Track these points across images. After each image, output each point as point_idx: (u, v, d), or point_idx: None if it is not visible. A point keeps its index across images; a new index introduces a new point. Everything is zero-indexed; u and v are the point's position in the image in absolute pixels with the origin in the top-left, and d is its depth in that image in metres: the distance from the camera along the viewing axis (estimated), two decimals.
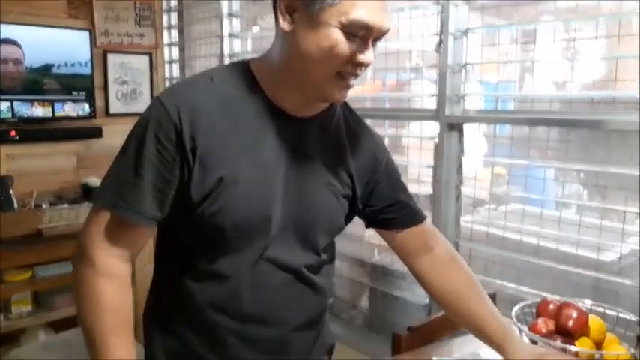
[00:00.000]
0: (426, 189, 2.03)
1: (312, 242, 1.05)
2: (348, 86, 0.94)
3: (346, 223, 1.13)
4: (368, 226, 1.19)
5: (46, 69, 2.57)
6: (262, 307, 1.02)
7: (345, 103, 1.11)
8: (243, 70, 1.00)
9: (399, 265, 2.17)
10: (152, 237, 1.01)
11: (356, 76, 0.93)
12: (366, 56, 0.90)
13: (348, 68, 0.91)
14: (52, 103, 2.59)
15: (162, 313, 1.07)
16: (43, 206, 2.45)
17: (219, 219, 0.94)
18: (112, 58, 2.87)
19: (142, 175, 0.91)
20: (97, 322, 0.91)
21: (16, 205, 2.43)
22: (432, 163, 2.00)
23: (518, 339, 1.08)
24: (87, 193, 2.65)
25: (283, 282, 1.03)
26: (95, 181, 2.67)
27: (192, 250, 1.00)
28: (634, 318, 1.30)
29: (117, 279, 0.94)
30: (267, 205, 0.97)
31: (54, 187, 2.65)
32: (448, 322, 1.44)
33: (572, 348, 1.14)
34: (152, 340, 1.07)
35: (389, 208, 1.14)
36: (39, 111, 2.57)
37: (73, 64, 2.65)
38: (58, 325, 2.39)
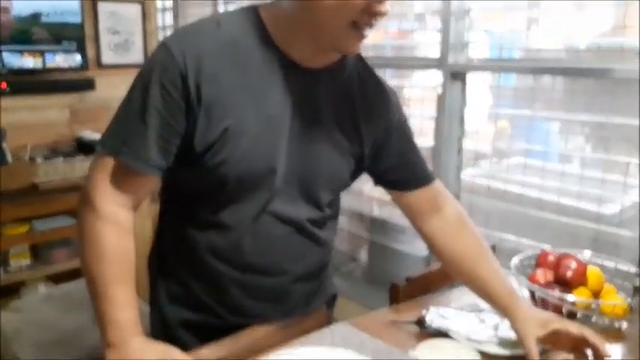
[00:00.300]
0: (428, 141, 2.00)
1: (315, 197, 1.04)
2: (363, 37, 0.90)
3: (352, 180, 1.11)
4: (376, 184, 1.17)
5: (35, 18, 2.49)
6: (264, 257, 1.02)
7: (358, 54, 1.06)
8: (252, 16, 0.95)
9: (398, 219, 2.16)
10: (156, 186, 0.99)
11: (371, 26, 0.89)
12: (383, 6, 0.86)
13: (364, 18, 0.86)
14: (42, 53, 2.52)
15: (166, 260, 1.08)
16: (38, 160, 2.42)
17: (223, 170, 0.93)
18: (102, 7, 2.77)
19: (147, 122, 0.89)
20: (98, 268, 0.90)
21: (10, 159, 2.40)
22: (434, 114, 1.96)
23: (525, 303, 1.06)
24: (82, 146, 2.61)
25: (285, 235, 1.02)
26: (90, 134, 2.63)
27: (195, 200, 1.00)
28: (632, 269, 1.30)
29: (119, 226, 0.92)
30: (271, 158, 0.96)
31: (48, 141, 2.61)
32: (447, 274, 1.44)
33: (570, 297, 1.14)
34: (156, 285, 1.09)
35: (398, 167, 1.12)
36: (29, 62, 2.50)
37: (62, 13, 2.55)
38: (58, 279, 2.40)
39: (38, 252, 2.48)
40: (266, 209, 0.99)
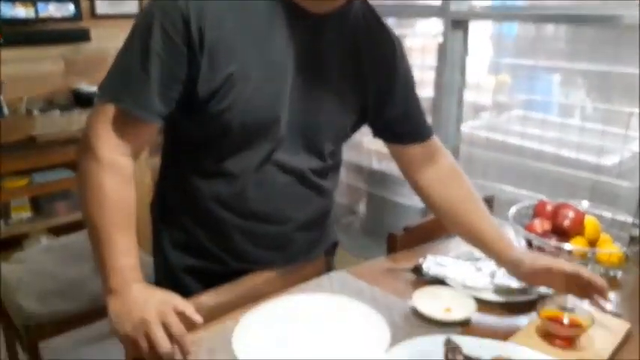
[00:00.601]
0: (428, 92, 1.97)
1: (318, 147, 1.04)
2: None
3: (353, 131, 1.10)
4: (375, 135, 1.16)
5: None
6: (267, 206, 1.03)
7: (365, 0, 1.03)
8: None
9: (396, 171, 2.15)
10: (156, 133, 0.98)
11: None
12: None
13: None
14: (34, 2, 2.46)
15: (169, 208, 1.08)
16: (34, 112, 2.40)
17: (227, 117, 0.92)
18: None
19: (148, 67, 0.87)
20: (99, 215, 0.90)
21: (6, 111, 2.38)
22: (434, 64, 1.93)
23: (515, 246, 1.07)
24: (78, 99, 2.59)
25: (288, 184, 1.03)
26: (87, 86, 2.60)
27: (198, 148, 1.00)
28: (629, 219, 1.30)
29: (120, 173, 0.92)
30: (276, 105, 0.95)
31: (43, 93, 2.58)
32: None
33: (567, 246, 1.15)
34: (159, 233, 1.10)
35: (400, 119, 1.10)
36: (21, 12, 2.44)
37: None
38: (59, 232, 2.42)
39: (39, 205, 2.50)
40: (270, 158, 0.99)
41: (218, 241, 1.05)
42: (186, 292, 0.92)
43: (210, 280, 1.04)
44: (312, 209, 1.10)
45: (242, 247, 1.06)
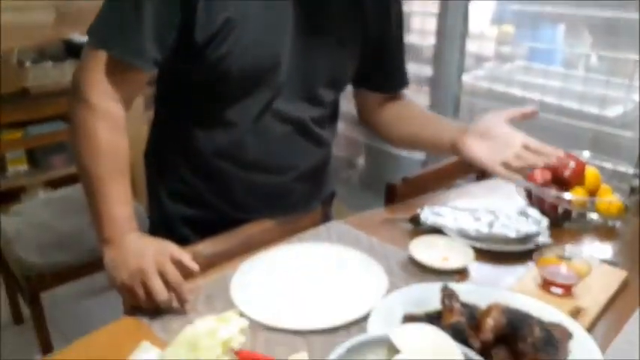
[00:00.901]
0: (429, 39, 1.92)
1: (317, 95, 1.03)
2: None
3: (352, 79, 1.10)
4: (354, 83, 1.16)
5: None
6: (266, 155, 1.02)
7: None
8: None
9: None
10: (149, 80, 0.96)
11: None
12: None
13: None
14: None
15: (165, 158, 1.07)
16: (26, 63, 2.35)
17: (226, 63, 0.90)
18: None
19: (141, 12, 0.84)
20: (93, 164, 0.88)
21: None
22: (437, 11, 1.87)
23: (461, 129, 1.07)
24: (70, 49, 2.52)
25: (287, 133, 1.02)
26: (79, 37, 2.53)
27: (197, 97, 0.98)
28: (630, 171, 1.29)
29: (113, 121, 0.90)
30: (275, 51, 0.93)
31: (35, 43, 2.51)
32: (444, 174, 1.44)
33: (567, 196, 1.14)
34: (155, 183, 1.09)
35: (384, 65, 1.10)
36: None
37: None
38: (56, 185, 2.41)
39: (35, 158, 2.49)
40: (269, 107, 0.98)
41: (216, 191, 1.05)
42: (182, 242, 0.91)
43: (206, 229, 1.04)
44: (310, 160, 1.09)
45: (240, 198, 1.05)
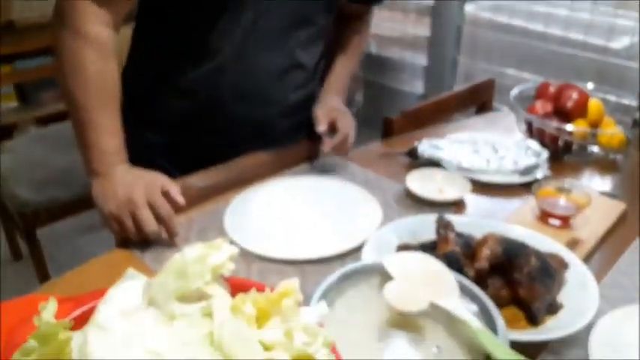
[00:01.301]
0: None
1: (306, 19, 0.97)
2: None
3: None
4: None
5: None
6: (249, 86, 0.98)
7: None
8: None
9: (397, 55, 2.07)
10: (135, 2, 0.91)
11: None
12: None
13: None
14: None
15: (144, 86, 1.02)
16: None
17: None
18: None
19: None
20: (81, 93, 0.84)
21: None
22: None
23: (330, 95, 1.11)
24: None
25: (272, 61, 0.98)
26: None
27: (177, 24, 0.94)
28: (634, 103, 1.26)
29: (101, 46, 0.85)
30: None
31: None
32: (443, 107, 1.40)
33: (568, 127, 1.11)
34: (131, 111, 1.03)
35: None
36: None
37: None
38: (48, 122, 2.38)
39: (26, 95, 2.45)
40: (252, 31, 0.93)
41: (199, 122, 1.01)
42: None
43: (185, 162, 1.01)
44: (296, 90, 1.05)
45: (223, 132, 1.01)
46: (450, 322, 0.52)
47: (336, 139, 1.01)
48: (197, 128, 1.01)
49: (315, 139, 1.05)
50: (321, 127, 1.01)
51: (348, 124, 1.04)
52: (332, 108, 1.06)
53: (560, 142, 1.13)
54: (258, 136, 1.04)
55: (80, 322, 0.45)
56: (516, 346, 0.49)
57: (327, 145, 1.00)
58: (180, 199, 0.81)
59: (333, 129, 1.03)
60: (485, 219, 0.86)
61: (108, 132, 0.86)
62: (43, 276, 1.76)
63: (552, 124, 1.11)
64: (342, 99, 1.13)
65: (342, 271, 0.58)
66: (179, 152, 1.03)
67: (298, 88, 1.05)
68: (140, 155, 0.89)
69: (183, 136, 1.02)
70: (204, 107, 0.99)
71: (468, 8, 1.82)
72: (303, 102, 1.08)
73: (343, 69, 1.16)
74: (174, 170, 0.95)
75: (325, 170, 1.06)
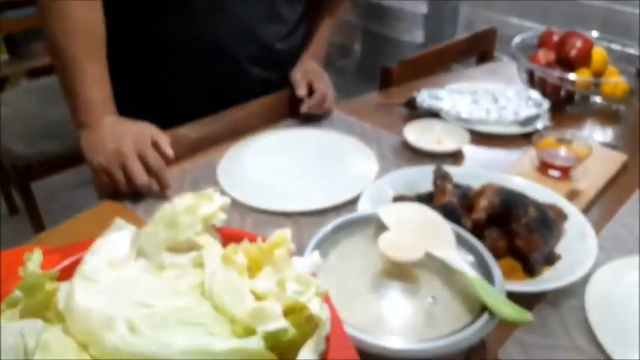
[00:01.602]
0: None
1: None
2: None
3: None
4: None
5: None
6: (220, 31, 0.95)
7: None
8: None
9: (396, 4, 2.00)
10: None
11: None
12: None
13: None
14: None
15: (120, 49, 0.95)
16: None
17: None
18: None
19: None
20: (67, 43, 0.81)
21: None
22: None
23: (307, 60, 1.11)
24: None
25: (251, 7, 0.95)
26: None
27: None
28: (638, 52, 1.22)
29: None
30: None
31: None
32: (443, 56, 1.37)
33: (571, 76, 1.08)
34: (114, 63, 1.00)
35: None
36: None
37: None
38: (40, 75, 2.33)
39: (16, 47, 2.39)
40: None
41: (173, 74, 0.98)
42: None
43: (164, 116, 0.98)
44: (266, 36, 1.01)
45: (195, 80, 0.99)
46: (445, 272, 0.51)
47: (313, 99, 1.00)
48: (173, 81, 0.98)
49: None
50: (301, 91, 1.00)
51: (324, 84, 1.03)
52: (307, 70, 1.05)
53: (563, 92, 1.10)
54: (235, 88, 1.01)
55: (68, 273, 0.44)
56: (513, 296, 0.49)
57: (305, 105, 0.99)
58: (170, 151, 0.79)
59: (310, 91, 1.01)
60: (483, 170, 0.84)
61: (95, 81, 0.83)
62: (40, 231, 1.75)
63: (555, 74, 1.08)
64: (319, 63, 1.12)
65: (337, 221, 0.57)
66: (157, 106, 0.99)
67: (280, 39, 1.03)
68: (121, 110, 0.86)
69: (161, 90, 0.99)
70: (181, 57, 0.96)
71: None
72: (286, 55, 1.06)
73: (324, 34, 1.16)
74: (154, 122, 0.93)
75: (321, 123, 1.04)
